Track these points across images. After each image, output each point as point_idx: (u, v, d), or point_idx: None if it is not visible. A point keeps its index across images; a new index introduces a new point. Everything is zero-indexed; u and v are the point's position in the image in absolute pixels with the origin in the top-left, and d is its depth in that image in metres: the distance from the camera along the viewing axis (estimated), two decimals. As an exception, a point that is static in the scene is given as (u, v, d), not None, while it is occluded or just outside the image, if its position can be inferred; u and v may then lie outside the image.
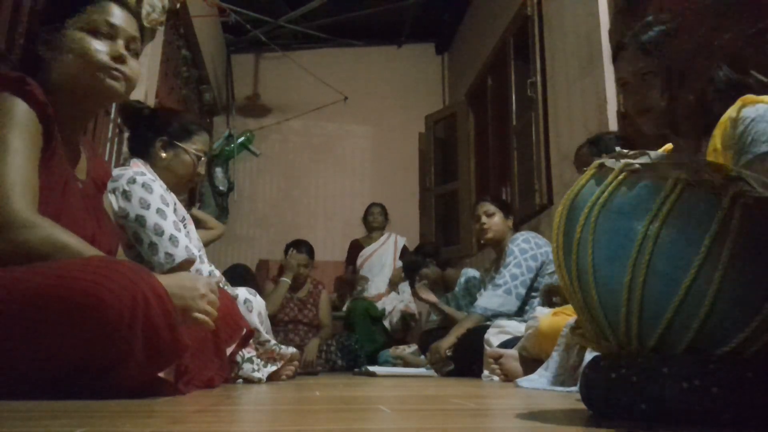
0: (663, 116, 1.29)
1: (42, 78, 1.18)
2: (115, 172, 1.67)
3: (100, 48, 1.19)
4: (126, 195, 1.62)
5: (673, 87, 1.28)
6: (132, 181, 1.63)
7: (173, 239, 1.60)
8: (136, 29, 1.28)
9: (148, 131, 1.81)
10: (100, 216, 1.30)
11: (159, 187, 1.68)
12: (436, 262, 3.71)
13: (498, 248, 2.94)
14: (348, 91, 5.88)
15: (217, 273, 1.86)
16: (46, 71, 1.20)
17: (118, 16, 1.23)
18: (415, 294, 3.37)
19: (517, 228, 3.18)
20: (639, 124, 1.35)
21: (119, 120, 2.57)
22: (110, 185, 1.63)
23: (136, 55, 1.28)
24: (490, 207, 2.91)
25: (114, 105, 2.59)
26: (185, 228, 1.72)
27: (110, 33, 1.22)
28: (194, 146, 1.85)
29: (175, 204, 1.75)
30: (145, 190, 1.63)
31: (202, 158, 1.88)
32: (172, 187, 1.83)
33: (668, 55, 1.30)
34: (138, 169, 1.71)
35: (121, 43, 1.22)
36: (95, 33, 1.20)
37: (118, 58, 1.21)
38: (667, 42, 1.31)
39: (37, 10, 1.17)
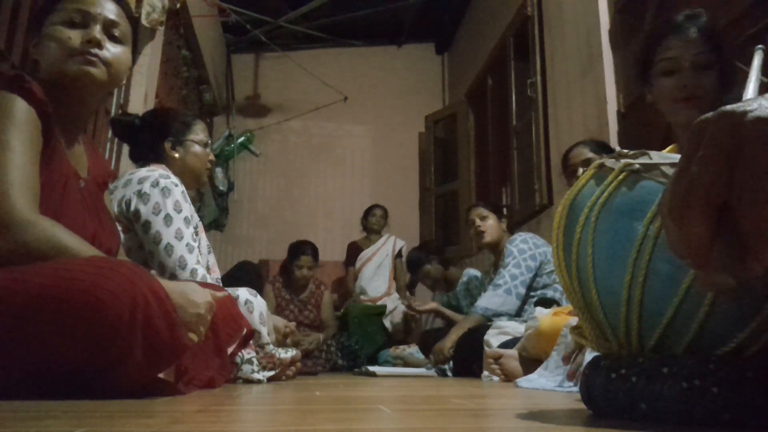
0: (714, 107, 1.28)
1: (37, 78, 1.18)
2: (141, 173, 1.66)
3: (72, 36, 1.19)
4: (144, 198, 1.61)
5: (727, 82, 1.25)
6: (155, 184, 1.62)
7: (168, 248, 1.60)
8: (116, 14, 1.26)
9: (151, 137, 1.81)
10: (101, 215, 1.30)
11: (180, 193, 1.66)
12: (439, 260, 3.72)
13: (496, 251, 2.96)
14: (348, 91, 5.88)
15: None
16: (38, 71, 1.21)
17: (91, 2, 1.23)
18: (411, 309, 3.32)
19: (515, 229, 3.19)
20: (675, 110, 1.31)
21: (112, 135, 2.56)
22: (134, 187, 1.63)
23: (120, 41, 1.26)
24: (482, 211, 2.96)
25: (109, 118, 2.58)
26: (197, 236, 1.71)
27: (84, 21, 1.21)
28: (198, 136, 1.86)
29: (191, 212, 1.75)
30: (162, 194, 1.62)
31: (209, 143, 1.90)
32: (193, 182, 1.83)
33: (726, 47, 1.28)
34: (164, 171, 1.70)
35: (97, 28, 1.22)
36: (70, 24, 1.20)
37: (90, 42, 1.19)
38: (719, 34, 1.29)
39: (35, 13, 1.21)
